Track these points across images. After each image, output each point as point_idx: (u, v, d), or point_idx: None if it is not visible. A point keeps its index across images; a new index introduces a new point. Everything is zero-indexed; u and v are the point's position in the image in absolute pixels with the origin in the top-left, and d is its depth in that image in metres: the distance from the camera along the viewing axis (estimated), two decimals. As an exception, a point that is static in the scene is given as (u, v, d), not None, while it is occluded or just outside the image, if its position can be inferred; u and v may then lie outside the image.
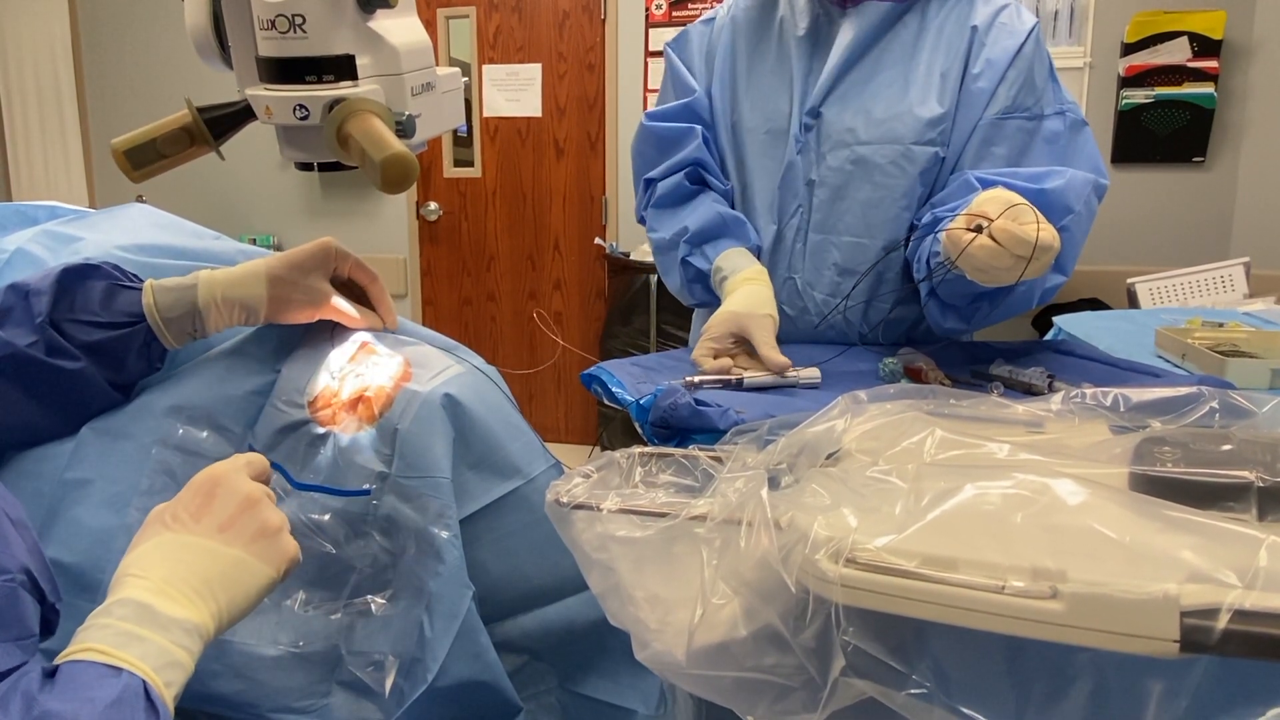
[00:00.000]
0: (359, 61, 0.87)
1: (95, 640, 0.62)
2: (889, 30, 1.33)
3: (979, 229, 1.02)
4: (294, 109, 0.86)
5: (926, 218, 1.24)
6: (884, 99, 1.30)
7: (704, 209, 1.37)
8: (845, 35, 1.33)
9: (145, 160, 0.93)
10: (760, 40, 1.42)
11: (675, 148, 1.42)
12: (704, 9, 3.41)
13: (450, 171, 4.21)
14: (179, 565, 0.68)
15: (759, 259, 1.34)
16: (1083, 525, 0.55)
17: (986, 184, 1.17)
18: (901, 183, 1.29)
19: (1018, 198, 1.06)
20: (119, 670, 0.61)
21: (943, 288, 1.17)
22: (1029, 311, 1.23)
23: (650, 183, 1.45)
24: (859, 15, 1.33)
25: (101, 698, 0.58)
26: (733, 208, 1.42)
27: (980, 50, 1.28)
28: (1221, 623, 0.47)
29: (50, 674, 0.60)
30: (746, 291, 1.23)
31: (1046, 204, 1.16)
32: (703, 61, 1.46)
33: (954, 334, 1.22)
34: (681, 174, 1.41)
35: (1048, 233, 1.01)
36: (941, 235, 1.08)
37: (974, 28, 1.29)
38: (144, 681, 0.61)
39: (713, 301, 1.34)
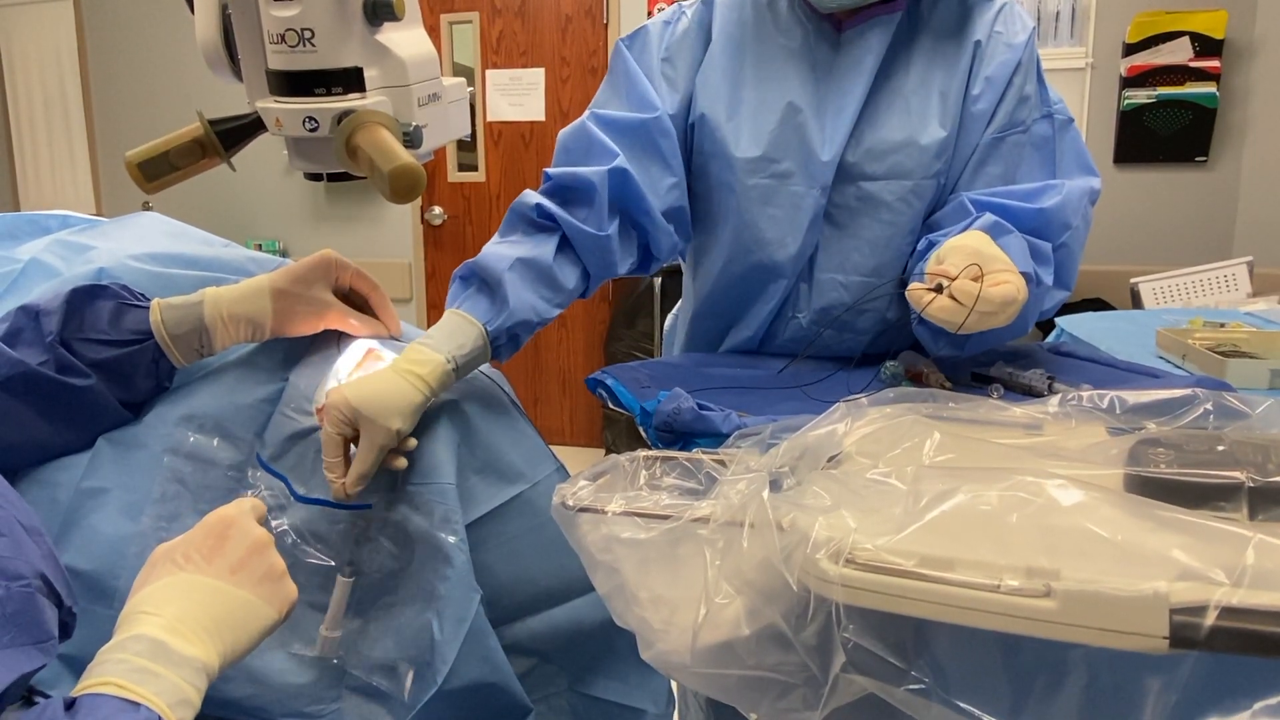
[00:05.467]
0: (367, 74, 0.88)
1: (112, 675, 0.63)
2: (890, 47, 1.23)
3: (939, 288, 1.01)
4: (303, 121, 0.87)
5: (922, 244, 1.21)
6: (886, 126, 1.22)
7: (511, 248, 1.10)
8: (858, 66, 1.22)
9: (158, 172, 0.95)
10: (748, 61, 1.27)
11: (587, 159, 1.23)
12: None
13: (454, 176, 4.22)
14: (191, 604, 0.69)
15: (492, 344, 1.03)
16: (1076, 525, 0.56)
17: (981, 207, 1.15)
18: (908, 218, 1.24)
19: (986, 245, 1.05)
20: (137, 705, 0.61)
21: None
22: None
23: (546, 178, 1.22)
24: (863, 38, 1.22)
25: None
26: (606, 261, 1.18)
27: (980, 68, 1.21)
28: (1209, 619, 0.48)
29: (69, 706, 0.61)
30: (391, 384, 0.92)
31: (1045, 223, 1.14)
32: (662, 70, 1.28)
33: (949, 357, 1.20)
34: (536, 203, 1.17)
35: (1010, 287, 0.99)
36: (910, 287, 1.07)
37: (977, 43, 1.21)
38: (159, 718, 0.62)
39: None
